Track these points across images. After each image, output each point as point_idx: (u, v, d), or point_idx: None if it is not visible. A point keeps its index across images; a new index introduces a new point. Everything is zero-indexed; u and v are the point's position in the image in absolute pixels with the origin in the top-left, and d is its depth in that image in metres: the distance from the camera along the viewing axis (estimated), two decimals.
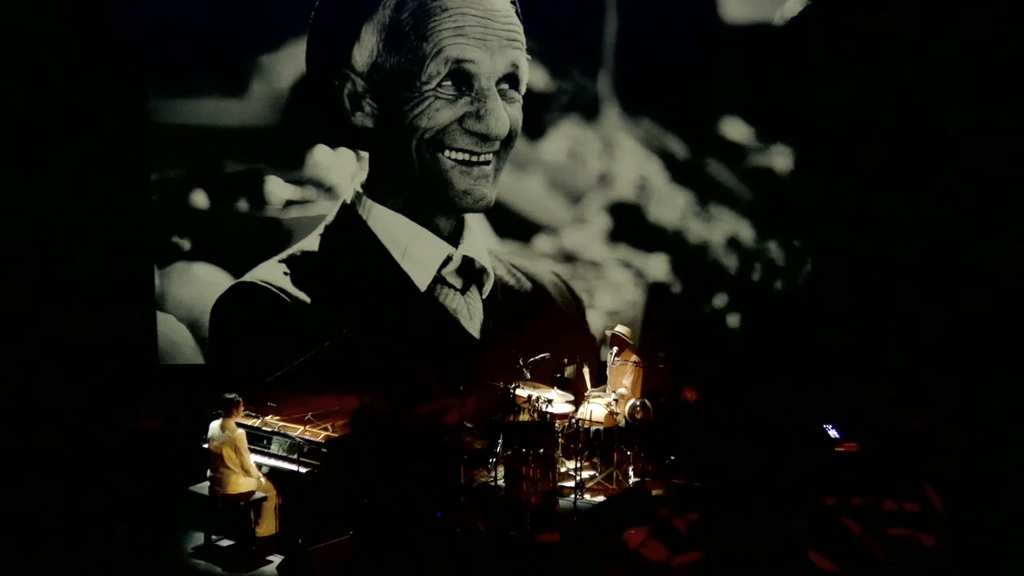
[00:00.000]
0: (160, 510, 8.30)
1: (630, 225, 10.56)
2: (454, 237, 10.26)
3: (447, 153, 9.98)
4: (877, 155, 10.45)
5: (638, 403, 9.17)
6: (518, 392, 9.03)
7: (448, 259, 10.26)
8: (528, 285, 10.53)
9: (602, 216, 10.53)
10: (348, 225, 10.11)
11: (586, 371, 9.64)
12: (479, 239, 10.33)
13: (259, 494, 7.73)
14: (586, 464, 9.04)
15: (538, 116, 10.29)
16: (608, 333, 9.78)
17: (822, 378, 10.29)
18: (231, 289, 10.01)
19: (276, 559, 7.46)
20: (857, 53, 10.32)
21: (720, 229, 10.69)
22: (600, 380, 9.70)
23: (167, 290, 10.02)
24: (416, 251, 10.20)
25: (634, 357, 9.46)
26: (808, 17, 10.39)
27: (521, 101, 10.12)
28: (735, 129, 10.55)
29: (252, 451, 7.88)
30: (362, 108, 9.95)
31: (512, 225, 10.41)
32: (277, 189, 10.01)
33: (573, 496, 8.64)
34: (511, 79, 9.99)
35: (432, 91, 9.84)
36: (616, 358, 9.47)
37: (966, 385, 9.99)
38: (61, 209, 9.66)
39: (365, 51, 9.85)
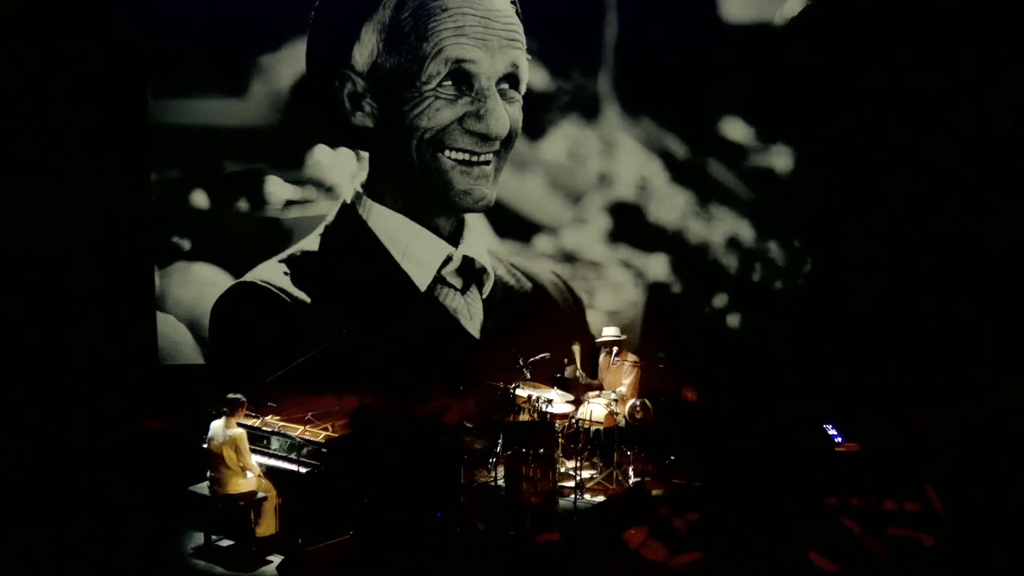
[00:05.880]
0: (160, 510, 8.30)
1: (630, 225, 10.56)
2: (454, 237, 10.27)
3: (447, 153, 9.98)
4: (877, 155, 10.44)
5: (638, 403, 9.17)
6: (518, 392, 9.03)
7: (448, 259, 10.26)
8: (528, 285, 10.53)
9: (602, 216, 10.53)
10: (348, 225, 10.11)
11: (576, 348, 9.61)
12: (479, 239, 10.33)
13: (259, 494, 7.73)
14: (586, 464, 9.04)
15: (538, 116, 10.29)
16: (598, 343, 9.71)
17: (822, 378, 10.29)
18: (231, 289, 10.02)
19: (276, 559, 7.47)
20: (857, 53, 10.32)
21: (720, 229, 10.69)
22: (592, 371, 9.70)
23: (167, 290, 10.02)
24: (416, 251, 10.21)
25: (632, 357, 9.47)
26: (808, 17, 10.39)
27: (521, 101, 10.12)
28: (735, 129, 10.55)
29: (252, 451, 7.88)
30: (362, 108, 9.95)
31: (512, 225, 10.41)
32: (277, 189, 10.01)
33: (573, 496, 8.64)
34: (511, 79, 9.99)
35: (432, 91, 9.84)
36: (616, 357, 9.48)
37: (966, 385, 9.98)
38: (61, 209, 9.66)
39: (365, 51, 9.85)
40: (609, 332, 9.63)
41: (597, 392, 9.44)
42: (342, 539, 7.35)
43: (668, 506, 8.36)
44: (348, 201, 10.12)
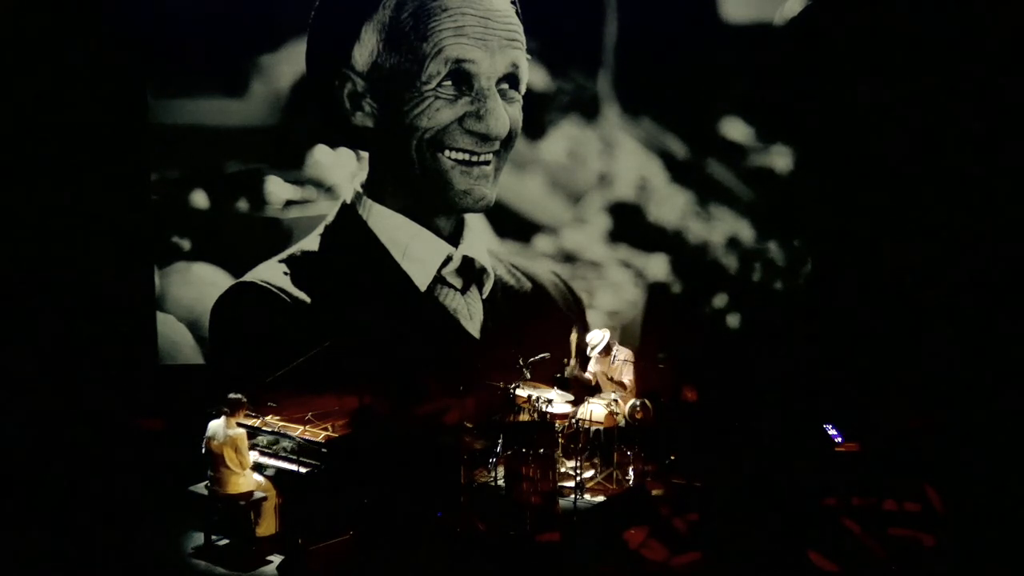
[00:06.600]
0: (160, 510, 8.30)
1: (630, 225, 10.55)
2: (454, 237, 10.27)
3: (447, 153, 9.98)
4: (877, 155, 10.44)
5: (638, 403, 9.16)
6: (518, 392, 9.03)
7: (448, 259, 10.26)
8: (528, 285, 10.53)
9: (602, 216, 10.53)
10: (348, 225, 10.11)
11: (574, 338, 9.58)
12: (479, 239, 10.32)
13: (259, 494, 7.73)
14: (586, 464, 9.04)
15: (538, 116, 10.28)
16: (589, 355, 9.66)
17: (822, 378, 10.29)
18: (231, 289, 10.02)
19: (276, 559, 7.46)
20: (857, 53, 10.32)
21: (720, 229, 10.68)
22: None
23: (167, 290, 10.02)
24: (416, 251, 10.20)
25: (625, 350, 9.45)
26: (808, 17, 10.39)
27: (521, 101, 10.12)
28: (735, 129, 10.55)
29: (252, 450, 7.90)
30: (362, 108, 9.96)
31: (512, 225, 10.40)
32: (277, 189, 10.02)
33: (573, 496, 8.64)
34: (511, 79, 9.99)
35: (432, 91, 9.84)
36: (617, 357, 9.47)
37: (966, 385, 9.99)
38: (61, 209, 9.66)
39: (365, 51, 9.86)
40: (595, 339, 9.48)
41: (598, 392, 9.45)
42: (342, 539, 7.35)
43: (668, 506, 8.36)
44: (348, 201, 10.12)
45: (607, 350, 9.47)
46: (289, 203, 10.05)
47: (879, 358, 10.39)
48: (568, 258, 10.57)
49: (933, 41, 10.16)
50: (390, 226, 10.17)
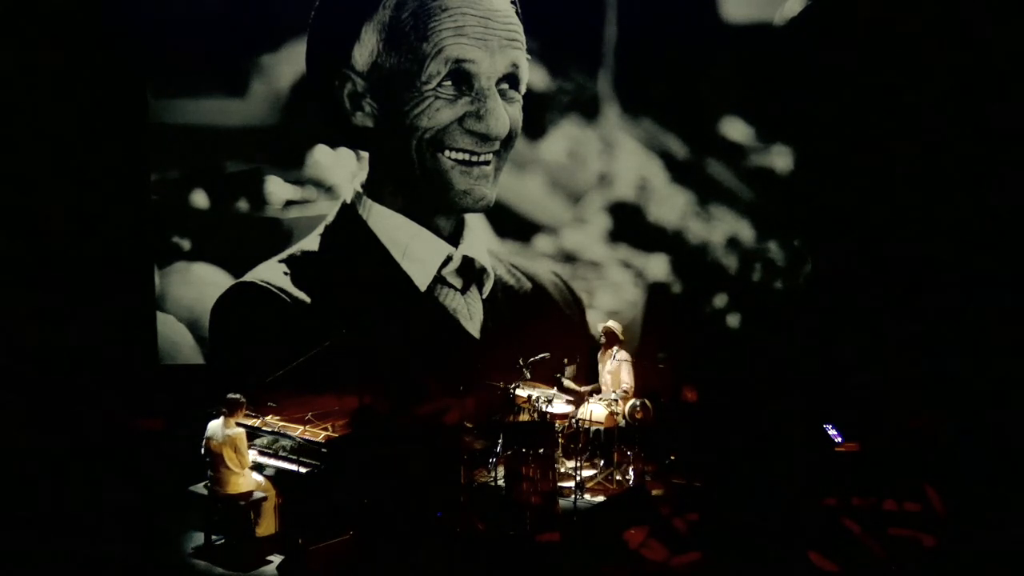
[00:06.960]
0: (160, 510, 8.29)
1: (630, 225, 10.56)
2: (454, 237, 10.27)
3: (447, 153, 9.98)
4: (876, 155, 10.44)
5: (638, 403, 9.17)
6: (518, 392, 9.03)
7: (448, 259, 10.26)
8: (528, 285, 10.53)
9: (602, 216, 10.53)
10: (348, 225, 10.11)
11: (571, 369, 9.64)
12: (479, 239, 10.33)
13: (259, 494, 7.73)
14: (586, 464, 9.04)
15: (538, 116, 10.29)
16: (601, 327, 9.71)
17: (822, 378, 10.29)
18: (231, 289, 10.02)
19: (276, 559, 7.47)
20: (857, 53, 10.32)
21: (720, 229, 10.68)
22: (591, 377, 9.70)
23: (167, 290, 10.02)
24: (416, 251, 10.20)
25: (624, 353, 9.46)
26: (808, 17, 10.39)
27: (521, 101, 10.12)
28: (735, 129, 10.55)
29: (252, 450, 7.90)
30: (362, 108, 9.96)
31: (512, 225, 10.41)
32: (277, 189, 10.02)
33: (573, 496, 8.64)
34: (511, 79, 9.99)
35: (432, 91, 9.84)
36: (616, 357, 9.47)
37: (966, 385, 9.98)
38: (61, 209, 9.66)
39: (365, 51, 9.86)
40: (614, 324, 9.57)
41: (598, 393, 9.44)
42: (342, 539, 7.35)
43: (668, 506, 8.36)
44: (348, 201, 10.12)
45: (610, 343, 9.46)
46: (289, 203, 10.05)
47: (879, 358, 10.39)
48: (568, 258, 10.57)
49: (933, 40, 10.15)
50: (390, 226, 10.17)
